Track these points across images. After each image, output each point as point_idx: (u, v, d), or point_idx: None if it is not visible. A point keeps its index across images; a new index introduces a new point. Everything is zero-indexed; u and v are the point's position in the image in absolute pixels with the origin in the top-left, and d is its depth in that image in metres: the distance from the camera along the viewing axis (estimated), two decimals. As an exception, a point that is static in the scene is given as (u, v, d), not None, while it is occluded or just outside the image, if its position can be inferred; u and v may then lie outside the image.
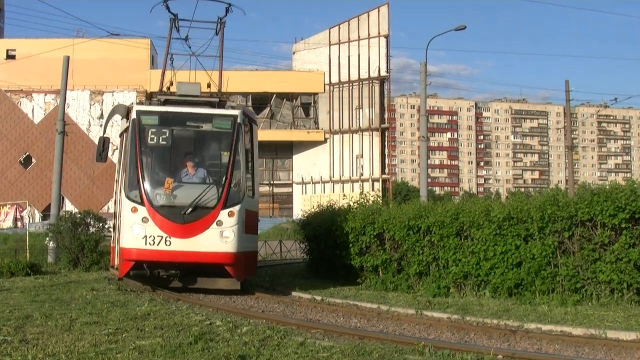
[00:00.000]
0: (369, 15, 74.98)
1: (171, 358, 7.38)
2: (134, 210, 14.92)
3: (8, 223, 35.12)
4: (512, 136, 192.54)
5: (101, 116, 77.06)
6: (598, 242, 14.14)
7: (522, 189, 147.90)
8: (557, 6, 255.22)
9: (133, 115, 15.58)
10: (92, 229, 26.48)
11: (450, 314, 12.26)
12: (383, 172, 73.73)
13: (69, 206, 66.22)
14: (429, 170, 76.03)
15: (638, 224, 13.79)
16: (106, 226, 26.74)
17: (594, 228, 14.27)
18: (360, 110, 73.94)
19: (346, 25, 76.14)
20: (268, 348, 7.94)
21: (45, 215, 65.00)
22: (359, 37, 74.87)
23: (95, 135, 76.45)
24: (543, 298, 14.26)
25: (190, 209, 14.85)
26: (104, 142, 17.03)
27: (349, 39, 75.47)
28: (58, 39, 68.93)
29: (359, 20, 75.54)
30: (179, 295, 14.78)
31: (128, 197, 15.16)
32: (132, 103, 16.54)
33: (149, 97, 18.28)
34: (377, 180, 72.80)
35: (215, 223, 14.95)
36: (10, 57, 77.13)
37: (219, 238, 14.90)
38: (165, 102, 16.23)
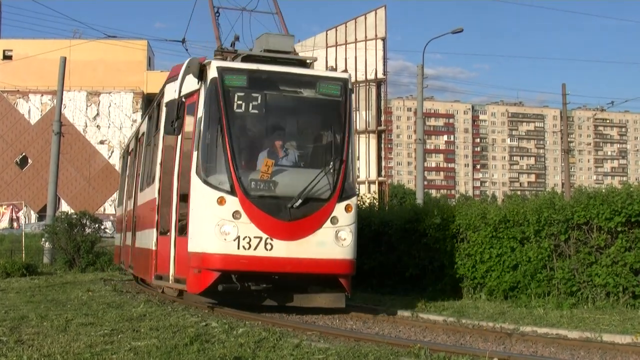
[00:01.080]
0: (366, 18, 74.94)
1: (167, 359, 7.37)
2: (221, 201, 11.45)
3: (4, 224, 35.21)
4: (509, 139, 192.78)
5: (97, 116, 77.00)
6: (594, 245, 14.15)
7: (519, 192, 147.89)
8: (554, 10, 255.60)
9: (212, 72, 11.95)
10: (88, 230, 26.59)
11: (446, 316, 12.27)
12: (379, 174, 73.66)
13: (65, 207, 66.15)
14: (425, 172, 76.07)
15: (634, 228, 13.81)
16: (102, 227, 26.78)
17: (590, 231, 14.29)
18: (357, 112, 74.00)
19: (343, 28, 76.06)
20: (264, 350, 7.93)
21: (41, 216, 64.95)
22: (355, 39, 74.80)
23: (91, 135, 76.54)
24: (539, 301, 14.27)
25: (299, 201, 11.54)
26: (179, 106, 12.19)
27: (345, 41, 75.37)
28: (55, 39, 68.95)
29: (356, 22, 75.49)
30: (176, 298, 14.73)
31: (209, 184, 11.62)
32: (205, 57, 12.48)
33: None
34: (374, 182, 72.82)
35: (329, 220, 11.79)
36: (7, 57, 77.18)
37: (334, 240, 11.75)
38: (247, 60, 12.51)
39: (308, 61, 13.21)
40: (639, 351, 9.25)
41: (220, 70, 11.91)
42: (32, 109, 77.35)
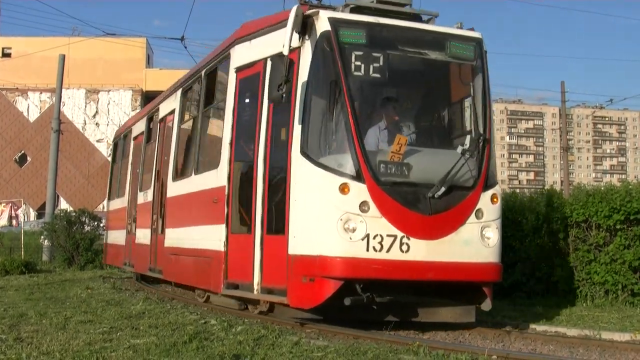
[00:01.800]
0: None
1: (166, 357, 7.38)
2: (344, 189, 9.07)
3: (3, 221, 35.09)
4: (508, 137, 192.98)
5: (96, 114, 76.99)
6: (593, 243, 14.17)
7: (518, 190, 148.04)
8: (553, 8, 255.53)
9: (321, 25, 9.57)
10: (87, 228, 26.63)
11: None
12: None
13: (64, 205, 66.15)
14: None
15: (633, 226, 13.83)
16: (101, 225, 26.76)
17: (588, 229, 14.31)
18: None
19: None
20: (263, 347, 7.94)
21: (40, 213, 64.95)
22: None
23: (90, 133, 76.43)
24: (538, 299, 14.28)
25: (441, 189, 9.33)
26: (288, 67, 9.45)
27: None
28: (54, 37, 68.76)
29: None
30: (174, 294, 14.73)
31: (325, 167, 9.25)
32: (307, 5, 9.93)
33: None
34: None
35: (473, 214, 9.65)
36: (5, 55, 77.05)
37: (479, 239, 9.66)
38: (357, 12, 10.02)
39: (426, 17, 10.55)
40: (637, 349, 9.26)
41: (334, 22, 9.53)
42: (31, 107, 77.23)
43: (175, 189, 13.94)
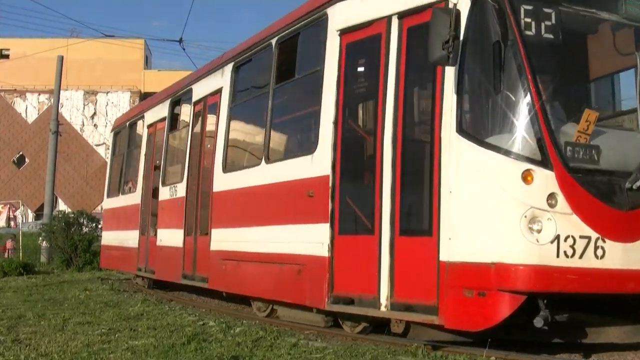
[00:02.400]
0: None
1: (164, 358, 7.38)
2: (528, 178, 7.25)
3: (1, 223, 35.13)
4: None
5: (94, 115, 76.97)
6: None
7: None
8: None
9: None
10: (85, 229, 26.62)
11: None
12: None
13: (62, 206, 66.12)
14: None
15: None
16: (99, 226, 26.76)
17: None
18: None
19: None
20: (261, 349, 7.94)
21: (38, 215, 64.93)
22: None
23: (88, 135, 76.40)
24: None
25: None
26: (456, 19, 7.42)
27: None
28: (52, 39, 68.79)
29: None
30: (172, 295, 14.71)
31: (497, 148, 7.40)
32: None
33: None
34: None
35: None
36: (4, 56, 77.08)
37: None
38: None
39: None
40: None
41: None
42: (29, 108, 77.17)
43: (228, 181, 11.87)
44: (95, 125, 76.96)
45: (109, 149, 78.28)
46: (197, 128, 13.67)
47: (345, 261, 8.82)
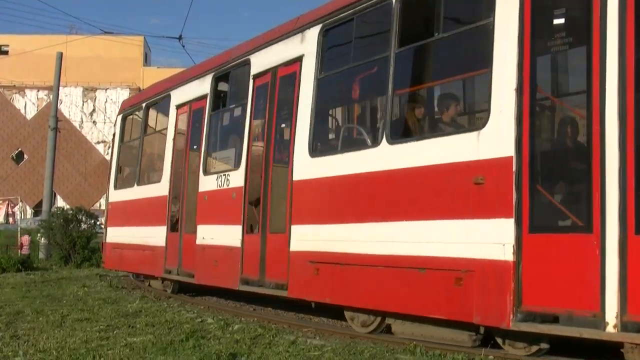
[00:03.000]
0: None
1: (162, 355, 7.38)
2: None
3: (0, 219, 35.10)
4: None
5: (93, 112, 76.95)
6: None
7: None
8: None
9: None
10: (83, 226, 26.60)
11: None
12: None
13: (60, 202, 66.10)
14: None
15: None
16: (98, 223, 26.78)
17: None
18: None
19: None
20: (259, 346, 7.94)
21: (37, 211, 64.88)
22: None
23: (87, 132, 76.41)
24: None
25: None
26: None
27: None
28: (51, 35, 68.79)
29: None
30: (170, 293, 14.69)
31: None
32: None
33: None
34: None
35: None
36: (3, 52, 77.00)
37: None
38: None
39: None
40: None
41: None
42: (28, 105, 77.13)
43: (317, 168, 9.96)
44: (94, 122, 76.93)
45: (108, 146, 78.29)
46: (262, 105, 11.57)
47: (541, 267, 7.01)
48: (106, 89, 77.03)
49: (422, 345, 7.95)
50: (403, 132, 9.09)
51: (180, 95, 14.57)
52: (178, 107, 14.50)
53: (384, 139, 8.73)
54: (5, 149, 76.30)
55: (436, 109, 9.26)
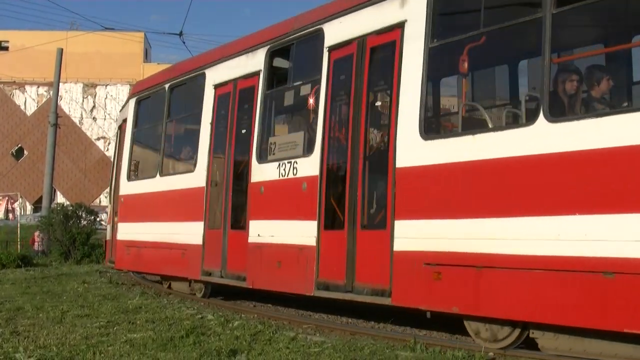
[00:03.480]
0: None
1: (162, 351, 7.37)
2: None
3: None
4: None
5: (93, 108, 76.96)
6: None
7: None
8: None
9: None
10: (83, 222, 26.62)
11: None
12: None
13: (60, 199, 66.14)
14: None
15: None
16: (98, 219, 26.81)
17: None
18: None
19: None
20: (259, 342, 7.94)
21: (36, 207, 64.98)
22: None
23: (87, 128, 76.44)
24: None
25: None
26: None
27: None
28: (52, 31, 68.88)
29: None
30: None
31: None
32: None
33: None
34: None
35: None
36: (3, 48, 77.09)
37: None
38: None
39: None
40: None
41: None
42: (29, 101, 77.21)
43: (437, 153, 8.26)
44: (94, 118, 76.97)
45: (108, 142, 78.31)
46: (343, 80, 9.97)
47: None
48: (106, 85, 77.11)
49: (422, 341, 7.95)
50: (571, 108, 7.80)
51: (219, 74, 12.84)
52: (217, 86, 12.79)
53: (541, 116, 7.20)
54: (5, 145, 76.35)
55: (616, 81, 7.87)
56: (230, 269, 11.82)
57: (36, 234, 31.02)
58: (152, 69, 74.40)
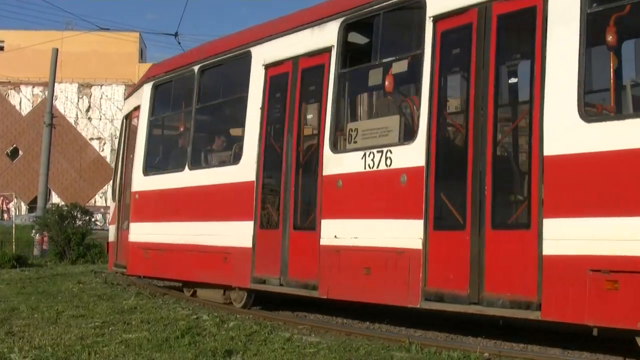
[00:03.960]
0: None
1: (158, 352, 7.37)
2: None
3: (-6, 215, 35.09)
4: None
5: (89, 109, 76.91)
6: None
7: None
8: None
9: None
10: (78, 222, 26.58)
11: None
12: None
13: (55, 199, 66.03)
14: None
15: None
16: (93, 219, 26.79)
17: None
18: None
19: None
20: (255, 343, 7.94)
21: (31, 207, 64.87)
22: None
23: (82, 128, 76.36)
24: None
25: None
26: None
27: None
28: (47, 31, 68.81)
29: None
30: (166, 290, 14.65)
31: None
32: None
33: None
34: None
35: None
36: (-2, 48, 76.96)
37: None
38: None
39: None
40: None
41: None
42: (24, 101, 77.11)
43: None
44: (89, 118, 76.89)
45: (103, 142, 78.13)
46: (455, 54, 8.83)
47: None
48: (101, 85, 77.05)
49: (418, 342, 7.95)
50: None
51: (272, 52, 11.16)
52: (269, 66, 11.11)
53: None
54: (0, 145, 76.21)
55: None
56: (294, 276, 10.23)
57: (45, 233, 31.08)
58: (148, 69, 74.44)
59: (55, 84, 33.92)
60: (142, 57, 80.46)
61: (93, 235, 28.58)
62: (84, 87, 77.17)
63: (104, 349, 7.46)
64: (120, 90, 76.43)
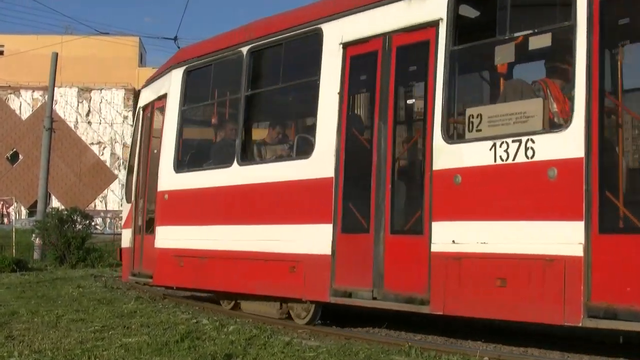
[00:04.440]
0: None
1: (157, 356, 7.38)
2: None
3: (-5, 219, 35.09)
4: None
5: (89, 113, 76.91)
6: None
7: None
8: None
9: None
10: (78, 226, 26.57)
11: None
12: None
13: (55, 203, 65.96)
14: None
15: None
16: (93, 223, 26.79)
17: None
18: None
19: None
20: (254, 347, 7.95)
21: (31, 211, 64.74)
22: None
23: (82, 132, 76.30)
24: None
25: None
26: None
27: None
28: (46, 35, 68.76)
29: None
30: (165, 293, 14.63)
31: None
32: None
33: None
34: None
35: None
36: (-2, 52, 76.97)
37: None
38: None
39: None
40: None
41: None
42: (23, 105, 76.99)
43: None
44: (89, 122, 76.84)
45: (103, 146, 78.04)
46: (627, 25, 7.67)
47: None
48: (101, 90, 76.94)
49: (417, 346, 7.95)
50: None
51: (353, 28, 9.65)
52: (350, 44, 9.66)
53: None
54: (-1, 149, 76.22)
55: None
56: (392, 288, 8.78)
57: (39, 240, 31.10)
58: (148, 73, 74.23)
59: (55, 88, 33.91)
60: (142, 62, 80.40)
61: (93, 240, 28.59)
62: (84, 91, 77.05)
63: (103, 353, 7.47)
64: (120, 94, 76.34)
